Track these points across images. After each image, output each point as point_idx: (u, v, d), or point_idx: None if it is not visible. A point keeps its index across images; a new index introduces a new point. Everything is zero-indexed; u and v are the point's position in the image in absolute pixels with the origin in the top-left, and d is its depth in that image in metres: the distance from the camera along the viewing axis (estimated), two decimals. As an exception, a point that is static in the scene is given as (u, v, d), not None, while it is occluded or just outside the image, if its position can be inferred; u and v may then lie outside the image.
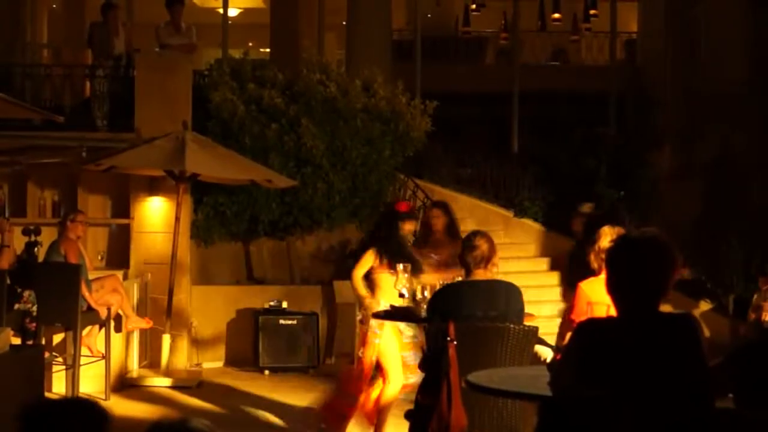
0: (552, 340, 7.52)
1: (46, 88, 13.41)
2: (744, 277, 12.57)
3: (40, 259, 9.74)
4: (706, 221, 15.34)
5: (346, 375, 8.51)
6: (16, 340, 7.86)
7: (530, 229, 15.02)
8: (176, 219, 10.90)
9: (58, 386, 9.62)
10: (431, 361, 5.79)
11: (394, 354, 7.86)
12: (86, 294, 9.65)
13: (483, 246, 6.33)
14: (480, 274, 6.30)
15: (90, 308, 9.72)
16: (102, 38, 13.18)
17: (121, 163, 10.79)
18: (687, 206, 15.82)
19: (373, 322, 7.76)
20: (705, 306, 12.89)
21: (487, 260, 6.32)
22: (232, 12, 20.32)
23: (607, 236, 6.57)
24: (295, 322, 11.75)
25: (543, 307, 11.29)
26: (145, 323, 10.79)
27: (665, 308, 4.05)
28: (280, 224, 12.48)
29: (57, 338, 9.83)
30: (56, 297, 9.21)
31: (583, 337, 3.94)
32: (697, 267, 12.97)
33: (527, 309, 6.60)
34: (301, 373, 11.48)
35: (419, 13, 19.63)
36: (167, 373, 10.72)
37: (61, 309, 9.25)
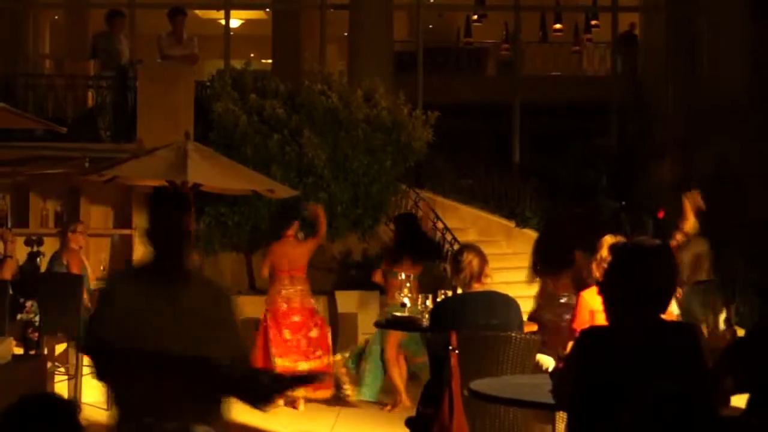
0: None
1: (49, 98, 13.44)
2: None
3: (43, 269, 9.75)
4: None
5: None
6: (19, 350, 7.87)
7: (532, 239, 14.92)
8: (178, 229, 10.88)
9: (60, 396, 9.60)
10: (433, 370, 5.81)
11: None
12: (88, 304, 9.65)
13: (473, 262, 6.34)
14: (476, 287, 6.34)
15: (92, 318, 9.73)
16: (108, 47, 13.21)
17: (124, 173, 10.78)
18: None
19: None
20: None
21: (479, 275, 6.35)
22: (234, 23, 20.35)
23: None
24: (296, 332, 11.71)
25: (545, 317, 11.26)
26: (147, 333, 10.80)
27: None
28: (282, 234, 12.46)
29: (59, 348, 9.81)
30: (59, 307, 9.20)
31: (586, 345, 3.96)
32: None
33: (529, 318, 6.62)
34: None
35: (421, 24, 19.65)
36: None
37: (63, 319, 9.25)
